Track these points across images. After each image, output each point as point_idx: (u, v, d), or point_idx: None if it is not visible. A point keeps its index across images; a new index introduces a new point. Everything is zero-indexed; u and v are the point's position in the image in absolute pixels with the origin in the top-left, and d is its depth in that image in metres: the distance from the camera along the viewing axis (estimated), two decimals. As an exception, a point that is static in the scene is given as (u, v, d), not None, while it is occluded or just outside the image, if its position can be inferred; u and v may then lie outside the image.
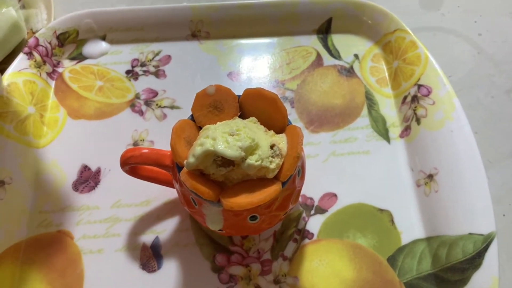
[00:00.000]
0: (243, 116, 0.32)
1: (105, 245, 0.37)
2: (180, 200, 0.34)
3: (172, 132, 0.30)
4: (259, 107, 0.31)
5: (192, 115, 0.32)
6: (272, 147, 0.29)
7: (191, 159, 0.28)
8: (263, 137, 0.29)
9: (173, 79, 0.46)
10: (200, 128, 0.31)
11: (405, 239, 0.37)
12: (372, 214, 0.38)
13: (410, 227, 0.37)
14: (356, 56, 0.47)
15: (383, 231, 0.38)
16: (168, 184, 0.37)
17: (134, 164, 0.33)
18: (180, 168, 0.29)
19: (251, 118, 0.31)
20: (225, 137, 0.28)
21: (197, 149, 0.28)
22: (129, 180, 0.36)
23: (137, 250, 0.37)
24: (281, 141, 0.30)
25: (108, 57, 0.48)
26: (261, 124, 0.31)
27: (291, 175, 0.29)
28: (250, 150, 0.28)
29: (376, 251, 0.37)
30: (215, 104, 0.31)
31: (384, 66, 0.47)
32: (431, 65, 0.42)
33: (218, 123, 0.30)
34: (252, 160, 0.27)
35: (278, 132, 0.31)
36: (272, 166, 0.28)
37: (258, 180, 0.29)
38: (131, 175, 0.35)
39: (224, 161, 0.28)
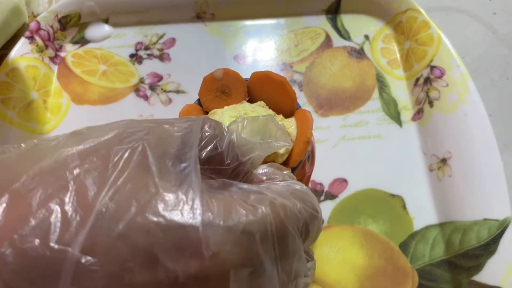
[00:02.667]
0: (251, 100, 0.31)
1: None
2: None
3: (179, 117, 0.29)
4: (267, 91, 0.30)
5: (199, 100, 0.31)
6: None
7: None
8: None
9: (177, 62, 0.45)
10: (207, 113, 0.31)
11: (417, 225, 0.36)
12: (384, 200, 0.38)
13: (423, 213, 0.37)
14: (366, 37, 0.46)
15: (395, 217, 0.37)
16: None
17: None
18: None
19: (259, 102, 0.30)
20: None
21: None
22: None
23: None
24: (290, 125, 0.29)
25: (111, 41, 0.47)
26: (269, 108, 0.30)
27: (300, 160, 0.28)
28: None
29: (388, 238, 0.36)
30: (223, 89, 0.31)
31: (396, 47, 0.46)
32: (444, 45, 0.41)
33: (225, 107, 0.30)
34: None
35: (287, 116, 0.30)
36: (281, 151, 0.27)
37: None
38: None
39: None
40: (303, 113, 0.29)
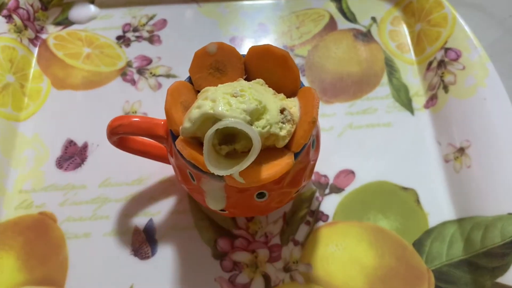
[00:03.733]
0: (248, 79, 0.28)
1: (92, 229, 0.34)
2: (176, 177, 0.31)
3: (167, 94, 0.26)
4: (267, 67, 0.28)
5: (189, 77, 0.28)
6: (282, 111, 0.25)
7: (187, 124, 0.25)
8: (272, 100, 0.26)
9: (169, 45, 0.43)
10: (198, 92, 0.28)
11: (432, 221, 0.34)
12: (395, 193, 0.35)
13: (438, 208, 0.35)
14: (373, 19, 0.44)
15: (407, 212, 0.35)
16: (163, 159, 0.33)
17: (123, 134, 0.30)
18: (175, 137, 0.26)
19: (257, 80, 0.27)
20: (227, 99, 0.24)
21: (194, 112, 0.24)
22: (120, 156, 0.33)
23: (128, 234, 0.34)
24: (293, 105, 0.27)
25: (97, 22, 0.44)
26: (269, 86, 0.28)
27: (305, 144, 0.26)
28: (257, 114, 0.24)
29: (400, 235, 0.34)
30: (217, 65, 0.28)
31: (406, 30, 0.43)
32: (460, 26, 0.39)
33: (219, 85, 0.27)
34: (259, 126, 0.24)
35: (289, 96, 0.28)
36: (283, 133, 0.25)
37: (266, 151, 0.25)
38: (120, 148, 0.32)
39: (225, 137, 0.25)
40: (308, 90, 0.27)
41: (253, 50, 0.28)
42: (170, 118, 0.26)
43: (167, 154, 0.31)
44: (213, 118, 0.24)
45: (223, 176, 0.24)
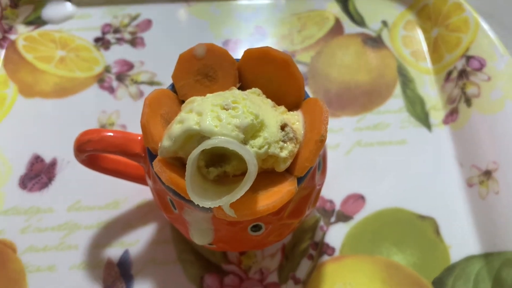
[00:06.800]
0: (243, 87, 0.26)
1: (58, 261, 0.32)
2: (155, 203, 0.29)
3: (144, 105, 0.24)
4: (266, 74, 0.26)
5: (172, 85, 0.27)
6: (283, 128, 0.23)
7: (167, 142, 0.22)
8: (271, 114, 0.24)
9: (153, 48, 0.41)
10: (183, 102, 0.26)
11: (455, 255, 0.32)
12: (411, 223, 0.33)
13: (462, 240, 0.33)
14: (384, 23, 0.43)
15: (426, 245, 0.33)
16: (141, 180, 0.31)
17: (93, 151, 0.27)
18: (154, 157, 0.24)
19: (253, 89, 0.25)
20: (216, 112, 0.22)
21: (176, 128, 0.22)
22: (93, 175, 0.31)
23: (99, 268, 0.32)
24: (296, 120, 0.25)
25: (74, 22, 0.42)
26: (267, 97, 0.26)
27: (311, 167, 0.23)
28: (252, 131, 0.22)
29: (418, 272, 0.32)
30: (206, 71, 0.26)
31: (421, 35, 0.42)
32: (483, 31, 0.37)
33: (207, 95, 0.25)
34: (254, 145, 0.22)
35: (291, 108, 0.26)
36: (284, 154, 0.23)
37: (264, 175, 0.23)
38: (90, 168, 0.30)
39: (213, 157, 0.23)
40: (314, 102, 0.24)
41: (249, 53, 0.26)
42: (147, 134, 0.24)
43: (145, 175, 0.28)
44: (199, 136, 0.22)
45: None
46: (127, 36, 0.42)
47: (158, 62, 0.41)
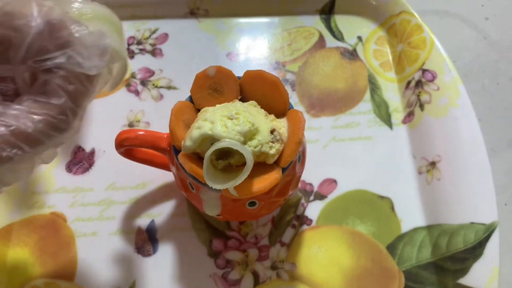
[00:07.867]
0: (243, 99, 0.31)
1: (99, 228, 0.37)
2: (177, 184, 0.33)
3: (171, 114, 0.29)
4: (260, 90, 0.30)
5: (190, 97, 0.31)
6: (272, 132, 0.28)
7: (188, 142, 0.27)
8: (263, 122, 0.28)
9: (170, 58, 0.45)
10: (198, 110, 0.31)
11: (405, 227, 0.37)
12: (372, 201, 0.38)
13: (411, 215, 0.37)
14: (359, 38, 0.46)
15: (383, 218, 0.37)
16: (165, 167, 0.36)
17: (130, 146, 0.32)
18: (177, 151, 0.29)
19: (251, 102, 0.30)
20: (224, 121, 0.26)
21: (195, 132, 0.27)
22: (124, 162, 0.35)
23: (132, 234, 0.37)
24: (282, 126, 0.29)
25: None
26: (261, 107, 0.30)
27: (291, 161, 0.28)
28: (250, 134, 0.27)
29: (376, 239, 0.36)
30: (215, 87, 0.30)
31: (388, 50, 0.45)
32: (437, 49, 0.41)
33: (217, 105, 0.30)
34: (251, 145, 0.26)
35: (279, 116, 0.30)
36: (272, 151, 0.27)
37: (257, 166, 0.28)
38: (126, 157, 0.34)
39: (221, 153, 0.27)
40: (295, 113, 0.29)
41: (248, 74, 0.30)
42: (173, 135, 0.28)
43: (169, 164, 0.33)
44: (211, 138, 0.26)
45: (219, 188, 0.26)
46: (148, 47, 0.45)
47: (174, 69, 0.44)
